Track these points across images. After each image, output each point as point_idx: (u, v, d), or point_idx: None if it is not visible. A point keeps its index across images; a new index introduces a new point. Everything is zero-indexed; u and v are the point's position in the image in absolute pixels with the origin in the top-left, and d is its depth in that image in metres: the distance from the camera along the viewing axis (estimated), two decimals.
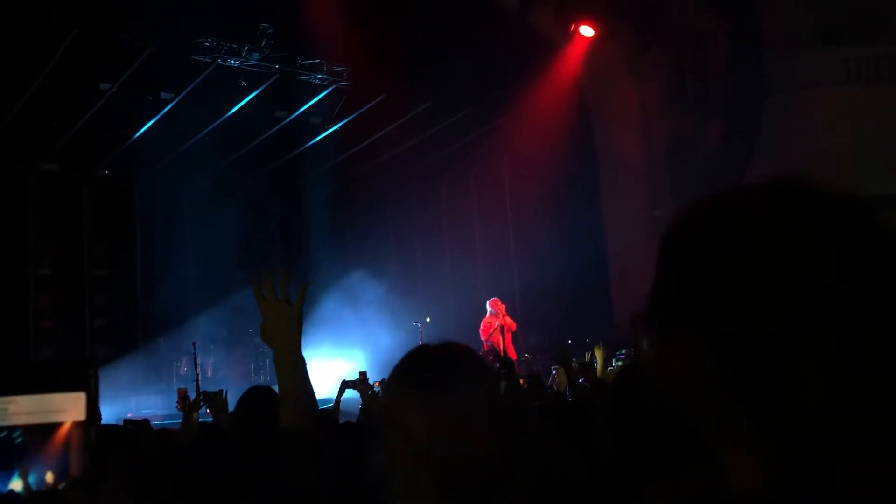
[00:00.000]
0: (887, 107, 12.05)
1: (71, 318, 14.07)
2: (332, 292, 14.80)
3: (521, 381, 6.65)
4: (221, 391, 4.55)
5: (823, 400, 0.65)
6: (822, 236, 0.69)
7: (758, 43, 12.38)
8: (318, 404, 1.90)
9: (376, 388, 5.79)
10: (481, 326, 11.27)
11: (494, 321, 11.22)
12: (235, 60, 11.14)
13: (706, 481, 0.73)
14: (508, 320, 11.32)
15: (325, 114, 13.44)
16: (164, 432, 4.17)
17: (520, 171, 14.31)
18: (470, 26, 11.15)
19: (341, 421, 4.25)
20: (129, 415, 12.03)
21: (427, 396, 1.22)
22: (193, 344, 11.54)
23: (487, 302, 11.52)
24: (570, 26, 12.38)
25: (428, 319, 13.41)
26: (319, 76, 12.02)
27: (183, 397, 6.41)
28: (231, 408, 3.77)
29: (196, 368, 10.88)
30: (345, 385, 5.31)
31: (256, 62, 11.26)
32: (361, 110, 13.11)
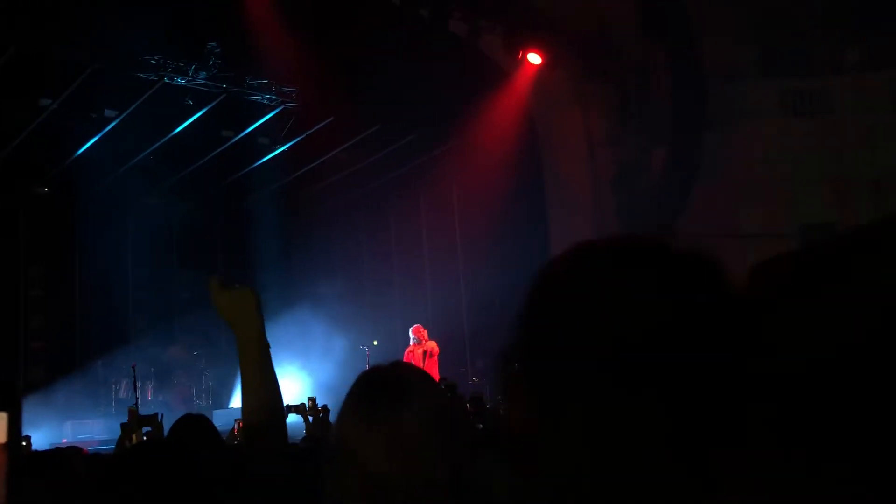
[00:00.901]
0: (822, 138, 12.52)
1: (5, 340, 13.58)
2: (277, 315, 14.62)
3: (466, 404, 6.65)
4: (157, 414, 4.44)
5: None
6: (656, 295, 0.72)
7: (699, 74, 12.75)
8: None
9: (315, 415, 5.72)
10: (405, 354, 11.14)
11: (417, 349, 11.12)
12: (182, 79, 11.02)
13: None
14: (430, 344, 11.21)
15: (272, 134, 13.35)
16: (97, 457, 4.04)
17: (469, 195, 14.40)
18: (420, 51, 11.24)
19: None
20: (64, 440, 11.65)
21: (377, 420, 1.21)
22: (133, 367, 11.24)
23: (410, 329, 11.42)
24: (518, 53, 12.57)
25: (375, 343, 13.34)
26: (268, 96, 11.96)
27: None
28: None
29: (135, 392, 10.61)
30: (287, 410, 5.24)
31: (203, 81, 11.14)
32: (309, 132, 13.06)
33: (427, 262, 15.90)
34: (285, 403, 5.26)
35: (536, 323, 0.77)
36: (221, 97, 11.67)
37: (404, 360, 11.06)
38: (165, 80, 10.92)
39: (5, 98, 11.03)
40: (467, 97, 12.65)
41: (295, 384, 14.54)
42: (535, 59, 12.59)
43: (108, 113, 11.81)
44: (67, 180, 13.78)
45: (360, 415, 1.24)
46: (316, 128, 12.94)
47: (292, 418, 5.24)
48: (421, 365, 10.78)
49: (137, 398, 10.44)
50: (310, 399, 5.39)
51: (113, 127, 11.98)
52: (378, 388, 1.27)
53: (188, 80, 11.06)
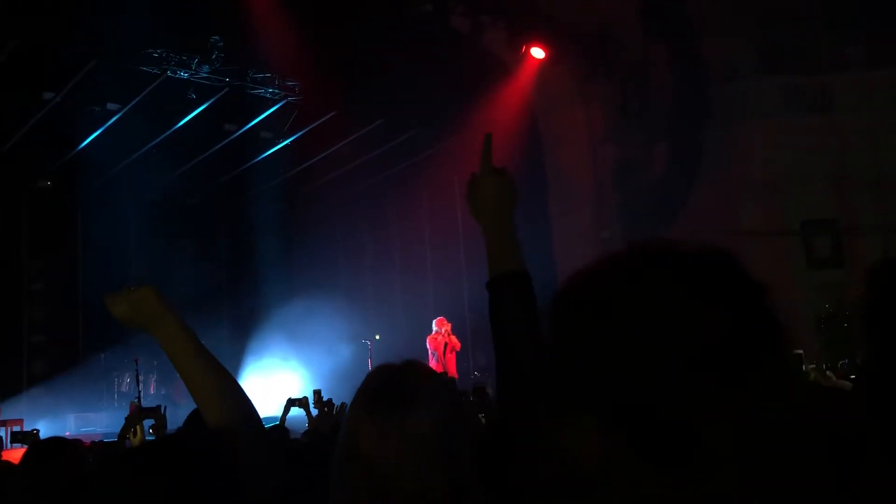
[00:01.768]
0: (824, 136, 12.52)
1: (7, 333, 13.62)
2: (279, 309, 14.65)
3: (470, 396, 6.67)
4: (160, 406, 4.46)
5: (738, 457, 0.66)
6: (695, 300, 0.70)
7: (700, 71, 12.74)
8: (264, 422, 1.78)
9: (320, 408, 5.72)
10: (428, 339, 11.30)
11: (440, 338, 11.25)
12: (185, 73, 11.02)
13: None
14: (453, 339, 11.34)
15: (275, 128, 13.36)
16: (100, 445, 4.06)
17: None
18: (423, 46, 11.24)
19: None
20: (67, 433, 11.69)
21: (387, 423, 1.20)
22: (136, 360, 11.29)
23: (434, 321, 11.52)
24: (522, 48, 12.57)
25: (377, 337, 13.37)
26: (270, 90, 11.96)
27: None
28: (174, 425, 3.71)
29: (138, 385, 10.64)
30: (290, 403, 5.25)
31: (206, 75, 11.15)
32: (312, 126, 13.06)
33: (429, 256, 15.92)
34: (288, 397, 5.28)
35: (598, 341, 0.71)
36: (224, 91, 11.68)
37: (428, 345, 11.15)
38: (168, 73, 10.92)
39: (8, 92, 11.04)
40: (470, 92, 12.65)
41: (297, 378, 14.58)
42: (538, 53, 12.58)
43: (110, 106, 11.82)
44: (70, 174, 13.80)
45: (370, 416, 1.22)
46: (318, 122, 12.95)
47: (294, 412, 5.26)
48: (442, 356, 10.86)
49: (140, 391, 10.48)
50: (315, 392, 5.38)
51: (115, 121, 11.99)
52: (389, 390, 1.26)
53: (191, 74, 11.06)
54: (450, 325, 11.44)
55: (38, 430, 7.73)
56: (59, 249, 14.47)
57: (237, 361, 14.10)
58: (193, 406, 3.15)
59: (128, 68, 10.77)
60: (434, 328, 11.38)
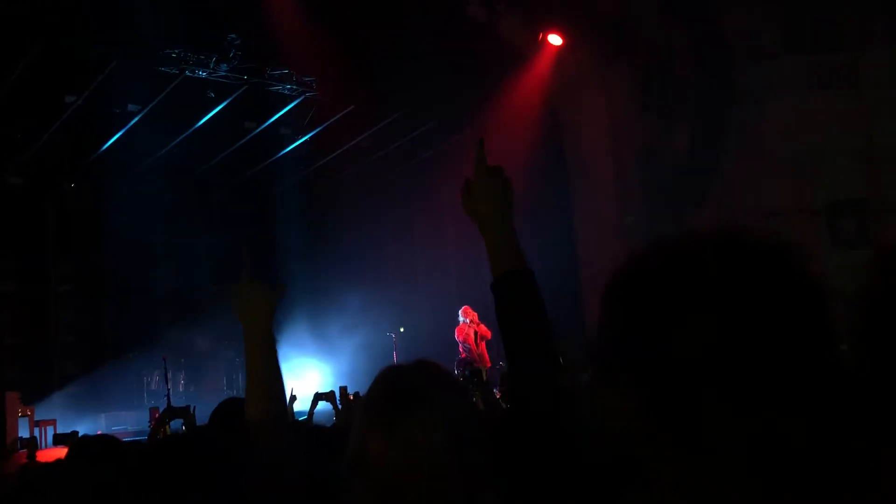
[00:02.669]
0: (850, 113, 12.30)
1: (37, 334, 13.81)
2: (304, 303, 14.72)
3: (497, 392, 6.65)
4: (189, 407, 4.50)
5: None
6: (744, 295, 0.72)
7: (722, 50, 12.57)
8: (296, 416, 1.83)
9: (346, 403, 5.73)
10: (456, 331, 11.27)
11: (469, 329, 11.22)
12: (203, 72, 11.07)
13: None
14: (482, 327, 11.31)
15: (294, 124, 13.39)
16: (132, 444, 4.10)
17: None
18: (438, 36, 11.19)
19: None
20: (99, 433, 11.84)
21: (394, 429, 1.16)
22: (164, 358, 11.40)
23: (459, 311, 11.50)
24: (539, 35, 12.47)
25: (402, 329, 13.38)
26: (288, 87, 11.98)
27: (156, 416, 6.32)
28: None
29: (167, 383, 10.74)
30: (318, 397, 5.26)
31: (224, 73, 11.19)
32: (331, 121, 13.08)
33: (451, 247, 15.89)
34: (315, 391, 5.29)
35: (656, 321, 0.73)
36: (243, 89, 11.71)
37: (457, 336, 11.12)
38: (187, 73, 10.97)
39: (31, 96, 11.16)
40: (488, 81, 12.59)
41: (323, 373, 14.65)
42: (555, 40, 12.49)
43: (131, 108, 11.91)
44: (93, 176, 13.94)
45: (376, 422, 1.18)
46: (337, 117, 12.96)
47: (322, 406, 5.27)
48: (474, 347, 10.84)
49: (169, 389, 10.57)
50: (341, 388, 5.40)
51: (137, 122, 12.08)
52: (396, 394, 1.21)
53: (209, 73, 11.11)
54: (476, 313, 11.39)
55: (77, 432, 7.84)
56: (85, 251, 14.62)
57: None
58: (230, 396, 3.17)
59: (147, 69, 10.84)
60: (461, 318, 11.34)
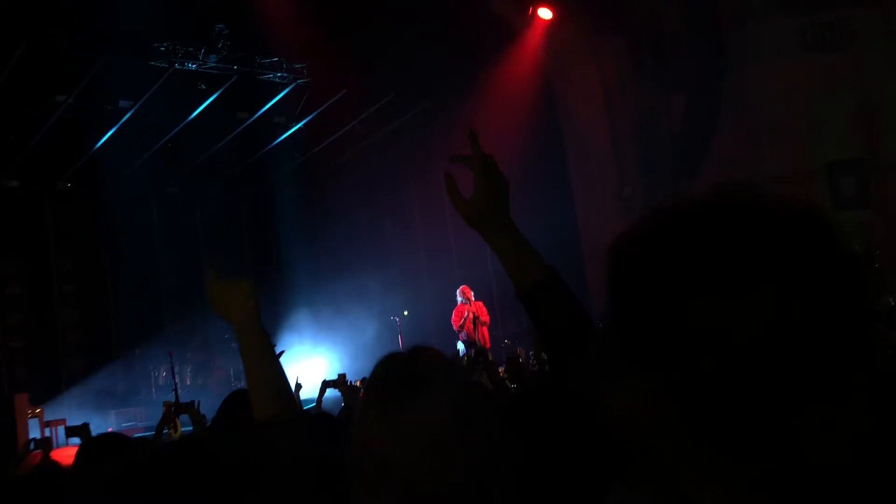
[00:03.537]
0: (845, 73, 12.23)
1: (42, 335, 13.84)
2: (306, 291, 14.73)
3: (500, 370, 6.65)
4: (193, 402, 4.51)
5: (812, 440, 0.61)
6: (779, 265, 0.63)
7: (713, 15, 12.48)
8: (302, 404, 1.81)
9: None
10: (453, 316, 11.25)
11: (465, 309, 11.19)
12: (193, 63, 11.00)
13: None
14: (481, 309, 11.27)
15: (287, 112, 13.33)
16: (141, 440, 4.11)
17: None
18: (427, 15, 11.10)
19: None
20: (109, 429, 11.89)
21: (394, 416, 1.16)
22: (169, 353, 11.42)
23: (457, 290, 11.48)
24: (529, 10, 12.38)
25: (406, 313, 13.39)
26: (279, 74, 11.91)
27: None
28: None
29: (174, 377, 10.77)
30: (325, 385, 5.27)
31: (214, 64, 11.12)
32: (324, 107, 13.01)
33: (450, 226, 15.87)
34: (323, 379, 5.30)
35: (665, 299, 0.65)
36: (233, 79, 11.65)
37: (453, 317, 11.13)
38: (176, 66, 10.91)
39: (21, 97, 11.10)
40: (480, 58, 12.52)
41: (328, 360, 14.70)
42: (545, 14, 12.40)
43: (122, 104, 11.86)
44: (89, 174, 13.91)
45: (378, 409, 1.18)
46: (329, 102, 12.89)
47: (330, 393, 5.29)
48: (471, 328, 10.84)
49: (177, 383, 10.59)
50: (339, 375, 5.38)
51: (129, 117, 12.02)
52: (395, 381, 1.21)
53: (199, 65, 11.04)
54: (472, 292, 11.35)
55: (88, 424, 7.84)
56: (85, 249, 14.62)
57: None
58: (238, 388, 3.17)
59: (136, 64, 10.77)
60: (458, 298, 11.31)
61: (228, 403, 3.06)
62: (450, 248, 15.63)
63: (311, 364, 14.37)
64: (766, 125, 12.47)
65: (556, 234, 13.41)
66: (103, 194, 14.60)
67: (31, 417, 10.41)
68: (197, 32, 10.69)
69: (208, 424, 4.45)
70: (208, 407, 4.79)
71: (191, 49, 10.82)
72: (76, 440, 6.72)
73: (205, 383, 13.71)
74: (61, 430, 10.47)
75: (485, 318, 11.22)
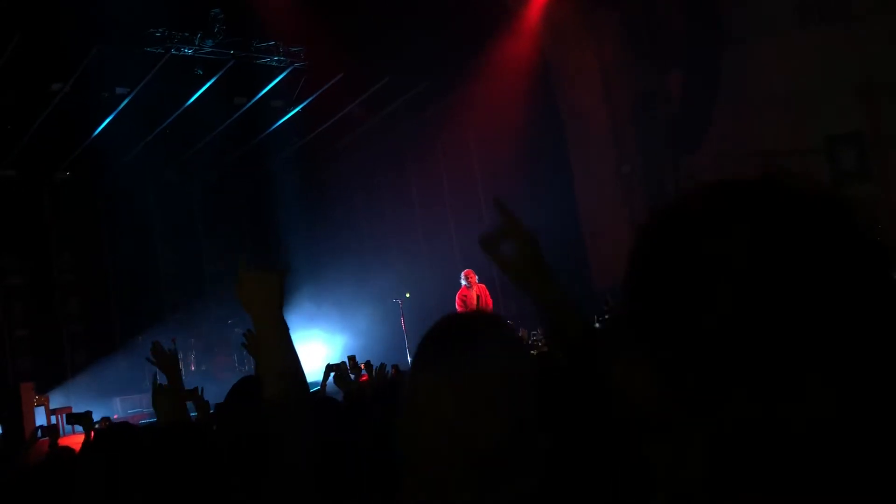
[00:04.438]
0: (843, 46, 12.17)
1: (45, 326, 13.87)
2: (306, 275, 14.75)
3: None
4: (197, 388, 4.50)
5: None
6: (801, 251, 0.63)
7: None
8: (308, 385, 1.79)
9: (357, 373, 5.76)
10: (457, 300, 11.17)
11: (470, 292, 11.15)
12: (189, 49, 10.94)
13: None
14: (485, 292, 11.22)
15: (285, 97, 13.28)
16: (146, 427, 4.13)
17: (486, 138, 14.27)
18: None
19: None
20: (115, 416, 11.96)
21: (445, 370, 1.17)
22: (173, 340, 11.41)
23: (462, 274, 11.43)
24: None
25: (408, 295, 13.40)
26: (276, 58, 11.85)
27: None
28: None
29: (178, 365, 10.78)
30: (329, 369, 5.28)
31: (210, 49, 11.06)
32: (321, 90, 12.96)
33: (449, 208, 15.86)
34: (327, 363, 5.32)
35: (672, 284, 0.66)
36: (230, 64, 11.60)
37: (457, 301, 11.09)
38: (172, 51, 10.85)
39: (17, 86, 11.06)
40: (477, 39, 12.45)
41: (329, 344, 14.73)
42: None
43: (119, 91, 11.80)
44: (87, 163, 13.87)
45: (428, 360, 1.20)
46: (327, 86, 12.84)
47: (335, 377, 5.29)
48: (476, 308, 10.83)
49: (181, 370, 10.62)
50: (350, 358, 5.38)
51: (126, 105, 11.98)
52: (449, 337, 1.23)
53: (195, 50, 10.98)
54: (476, 276, 11.30)
55: (91, 412, 7.85)
56: (85, 238, 14.60)
57: None
58: (233, 380, 3.18)
59: (132, 51, 10.72)
60: (462, 281, 11.27)
61: (237, 391, 3.07)
62: (449, 228, 15.63)
63: (314, 348, 14.41)
64: (764, 100, 12.43)
65: (555, 213, 13.42)
66: (101, 183, 14.56)
67: (37, 406, 10.46)
68: (192, 18, 10.63)
69: (212, 411, 4.48)
70: (212, 394, 4.81)
71: (187, 34, 10.76)
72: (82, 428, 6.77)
73: (209, 369, 13.75)
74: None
75: (488, 301, 11.18)
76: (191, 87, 12.04)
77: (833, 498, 0.60)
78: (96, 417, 10.67)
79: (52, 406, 10.88)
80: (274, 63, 11.96)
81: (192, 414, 5.53)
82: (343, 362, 5.07)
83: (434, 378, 1.17)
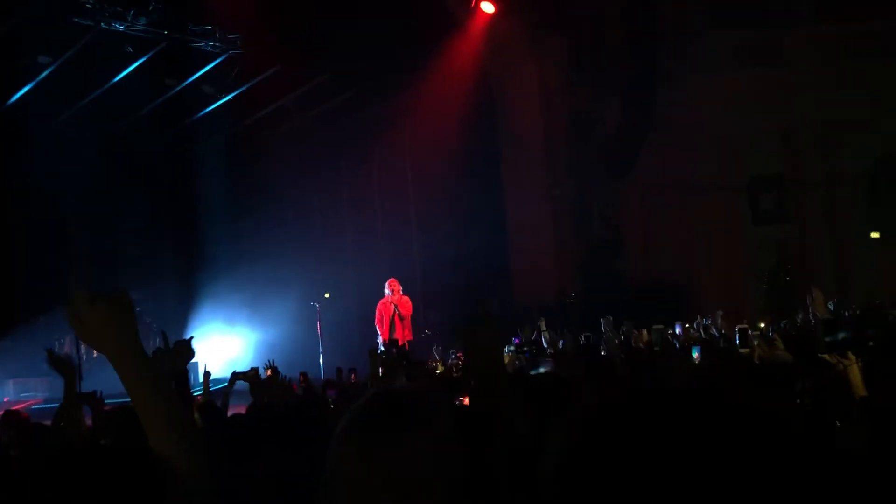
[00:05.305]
0: (774, 91, 12.59)
1: None
2: (226, 270, 14.39)
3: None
4: (96, 392, 4.18)
5: None
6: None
7: (651, 27, 12.67)
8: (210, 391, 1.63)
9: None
10: (376, 314, 10.89)
11: (388, 306, 10.83)
12: (120, 24, 10.52)
13: None
14: (404, 302, 10.94)
15: (218, 83, 12.92)
16: (39, 428, 3.81)
17: (422, 147, 14.19)
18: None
19: (230, 414, 4.03)
20: (6, 399, 11.37)
21: (376, 450, 1.11)
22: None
23: (386, 283, 11.17)
24: (472, 2, 12.30)
25: (327, 296, 13.18)
26: (211, 43, 11.52)
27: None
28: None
29: (78, 350, 10.31)
30: (235, 376, 5.03)
31: (143, 27, 10.67)
32: (255, 80, 12.67)
33: (379, 212, 15.73)
34: (233, 370, 5.10)
35: None
36: (163, 44, 11.21)
37: (377, 311, 10.80)
38: (102, 25, 10.41)
39: None
40: (420, 46, 12.37)
41: (244, 341, 14.41)
42: (488, 7, 12.33)
43: (41, 59, 11.25)
44: (4, 131, 13.15)
45: (358, 441, 1.13)
46: (261, 77, 12.56)
47: (240, 385, 5.04)
48: (387, 323, 10.54)
49: (82, 356, 10.16)
50: (252, 369, 5.08)
51: (48, 74, 11.43)
52: (381, 415, 1.16)
53: (127, 26, 10.57)
54: (400, 286, 11.05)
55: None
56: None
57: (182, 323, 13.82)
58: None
59: (59, 19, 10.23)
60: (386, 290, 11.01)
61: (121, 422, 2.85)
62: (376, 232, 15.50)
63: (227, 343, 14.04)
64: (695, 136, 12.75)
65: (484, 228, 13.46)
66: (16, 155, 13.84)
67: None
68: None
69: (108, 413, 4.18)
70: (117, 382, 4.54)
71: (119, 9, 10.35)
72: None
73: None
74: None
75: (405, 311, 10.93)
76: (120, 63, 11.59)
77: None
78: None
79: None
80: (209, 48, 11.63)
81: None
82: (254, 369, 4.84)
83: (363, 464, 1.10)
